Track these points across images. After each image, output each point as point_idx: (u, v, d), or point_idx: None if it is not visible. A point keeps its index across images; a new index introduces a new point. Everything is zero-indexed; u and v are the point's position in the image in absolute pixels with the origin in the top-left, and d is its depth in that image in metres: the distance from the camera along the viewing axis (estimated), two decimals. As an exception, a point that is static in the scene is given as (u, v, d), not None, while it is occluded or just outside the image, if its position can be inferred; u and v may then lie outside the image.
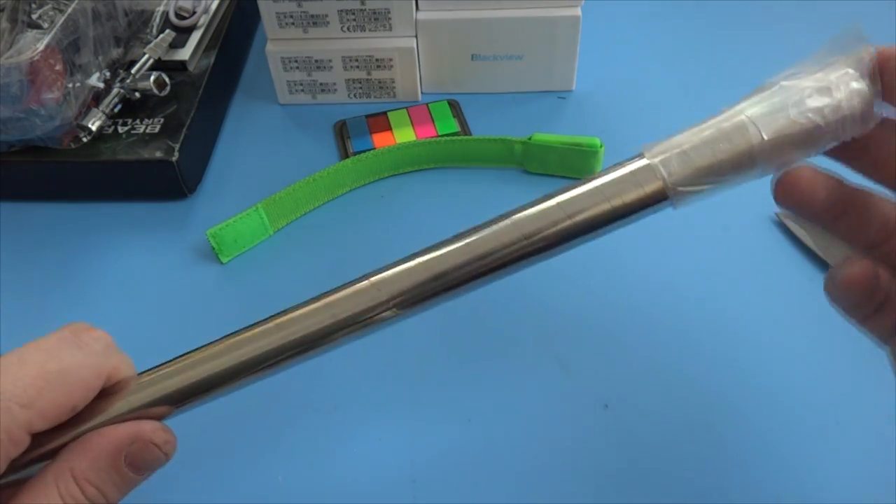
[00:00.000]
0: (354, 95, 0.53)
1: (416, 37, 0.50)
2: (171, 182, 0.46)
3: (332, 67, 0.51)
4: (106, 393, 0.25)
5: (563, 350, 0.38)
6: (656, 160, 0.26)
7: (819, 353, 0.37)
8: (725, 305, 0.40)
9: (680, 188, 0.25)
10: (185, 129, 0.46)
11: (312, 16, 0.49)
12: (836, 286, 0.26)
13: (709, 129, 0.26)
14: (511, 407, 0.36)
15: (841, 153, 0.26)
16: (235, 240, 0.43)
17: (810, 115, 0.25)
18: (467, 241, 0.27)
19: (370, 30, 0.49)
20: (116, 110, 0.47)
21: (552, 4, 0.48)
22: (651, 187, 0.26)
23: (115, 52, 0.49)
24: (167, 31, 0.51)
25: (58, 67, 0.43)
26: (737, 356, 0.38)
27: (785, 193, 0.25)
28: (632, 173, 0.26)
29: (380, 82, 0.52)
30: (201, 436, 0.36)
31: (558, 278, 0.41)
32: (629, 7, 0.60)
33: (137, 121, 0.47)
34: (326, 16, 0.49)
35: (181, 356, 0.26)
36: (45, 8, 0.45)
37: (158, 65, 0.49)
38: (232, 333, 0.27)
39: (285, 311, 0.27)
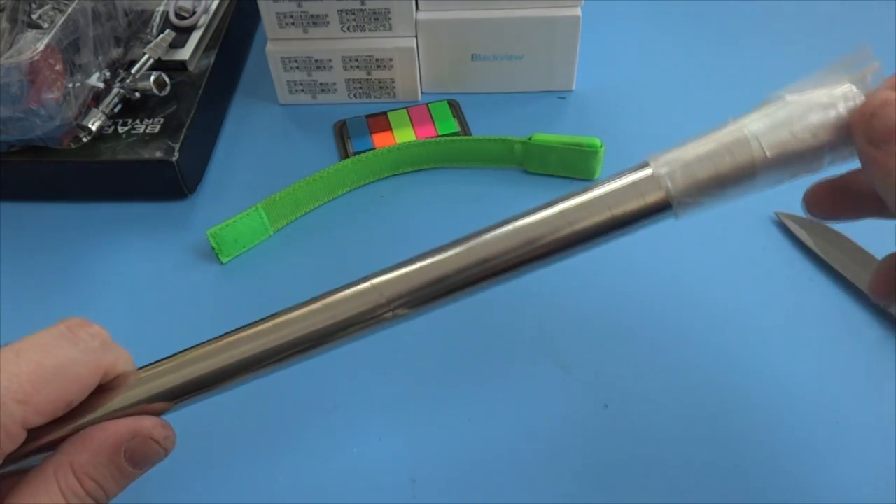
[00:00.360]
0: (354, 95, 0.53)
1: (416, 37, 0.50)
2: (171, 182, 0.46)
3: (332, 67, 0.51)
4: (104, 388, 0.25)
5: (563, 350, 0.38)
6: (661, 171, 0.26)
7: (819, 353, 0.37)
8: (725, 305, 0.40)
9: (683, 199, 0.25)
10: (185, 129, 0.46)
11: (312, 16, 0.49)
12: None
13: (712, 142, 0.26)
14: (511, 407, 0.36)
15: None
16: (235, 240, 0.43)
17: (813, 131, 0.25)
18: (469, 245, 0.27)
19: (370, 30, 0.49)
20: (116, 110, 0.47)
21: (552, 4, 0.48)
22: (654, 197, 0.26)
23: (115, 52, 0.49)
24: (167, 31, 0.51)
25: (58, 67, 0.43)
26: (737, 356, 0.38)
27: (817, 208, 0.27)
28: (635, 183, 0.26)
29: (380, 82, 0.52)
30: (202, 436, 0.36)
31: (558, 278, 0.41)
32: (629, 7, 0.60)
33: (137, 121, 0.47)
34: (326, 16, 0.49)
35: (180, 352, 0.26)
36: (45, 8, 0.45)
37: (158, 65, 0.49)
38: (231, 331, 0.27)
39: (284, 311, 0.27)
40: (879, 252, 0.40)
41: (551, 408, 0.36)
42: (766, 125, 0.26)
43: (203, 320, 0.41)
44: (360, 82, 0.52)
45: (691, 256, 0.42)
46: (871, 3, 0.58)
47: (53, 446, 0.24)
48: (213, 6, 0.54)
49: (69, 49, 0.44)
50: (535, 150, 0.46)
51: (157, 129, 0.46)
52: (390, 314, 0.26)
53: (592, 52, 0.54)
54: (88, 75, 0.46)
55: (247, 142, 0.51)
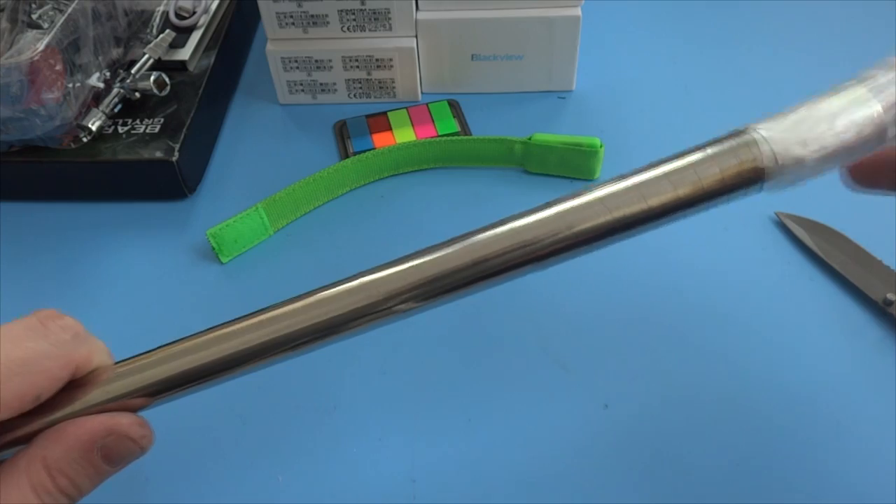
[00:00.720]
0: (354, 95, 0.53)
1: (416, 37, 0.50)
2: (171, 182, 0.46)
3: (332, 67, 0.51)
4: (80, 382, 0.24)
5: (563, 350, 0.38)
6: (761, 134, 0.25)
7: (819, 353, 0.37)
8: (725, 305, 0.40)
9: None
10: (185, 129, 0.46)
11: (312, 16, 0.49)
12: None
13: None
14: (511, 407, 0.36)
15: None
16: (235, 240, 0.43)
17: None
18: (511, 226, 0.26)
19: (370, 30, 0.49)
20: (116, 110, 0.47)
21: (552, 4, 0.48)
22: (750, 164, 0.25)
23: (115, 52, 0.49)
24: (167, 31, 0.51)
25: (58, 67, 0.43)
26: (737, 356, 0.38)
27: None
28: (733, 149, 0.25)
29: (380, 82, 0.52)
30: (202, 435, 0.36)
31: (559, 278, 0.41)
32: (629, 7, 0.60)
33: (137, 121, 0.47)
34: (326, 16, 0.49)
35: (161, 346, 0.26)
36: (45, 8, 0.45)
37: (158, 65, 0.49)
38: (216, 326, 0.26)
39: (272, 307, 0.26)
40: (879, 252, 0.40)
41: (551, 408, 0.36)
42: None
43: (203, 320, 0.40)
44: (360, 82, 0.52)
45: (692, 256, 0.42)
46: (872, 3, 0.58)
47: (25, 440, 0.24)
48: (213, 6, 0.54)
49: (69, 49, 0.44)
50: (535, 150, 0.46)
51: (157, 129, 0.46)
52: (386, 311, 0.26)
53: (592, 52, 0.54)
54: (88, 75, 0.46)
55: (247, 142, 0.51)
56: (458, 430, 0.36)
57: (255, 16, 0.58)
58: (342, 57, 0.50)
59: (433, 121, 0.50)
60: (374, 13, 0.48)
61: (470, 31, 0.49)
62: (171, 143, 0.45)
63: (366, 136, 0.49)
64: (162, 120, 0.47)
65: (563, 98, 0.52)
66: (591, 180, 0.46)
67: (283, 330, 0.25)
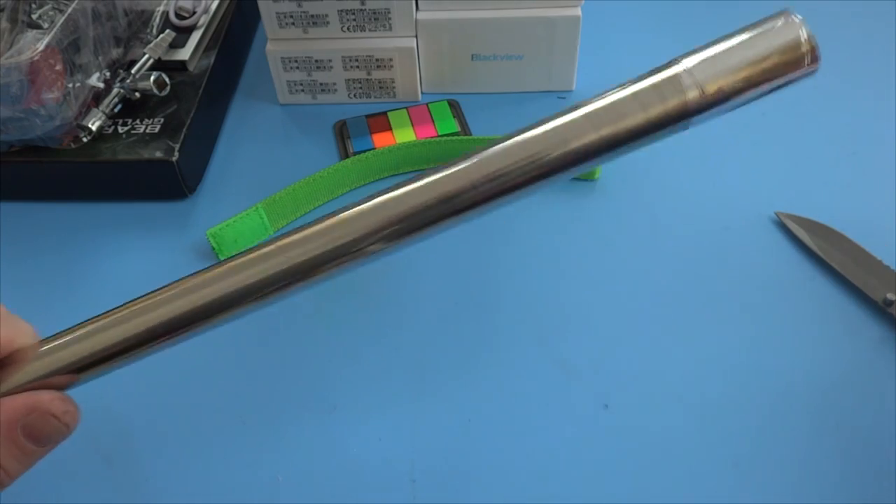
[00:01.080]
0: (354, 95, 0.53)
1: (416, 37, 0.50)
2: (171, 182, 0.46)
3: (332, 67, 0.51)
4: (2, 364, 0.24)
5: (563, 350, 0.38)
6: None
7: (819, 353, 0.37)
8: (725, 305, 0.40)
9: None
10: (185, 129, 0.46)
11: (312, 16, 0.49)
12: None
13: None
14: (511, 407, 0.36)
15: None
16: (235, 240, 0.43)
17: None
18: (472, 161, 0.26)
19: (370, 30, 0.49)
20: (116, 110, 0.47)
21: (552, 4, 0.48)
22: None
23: (115, 52, 0.49)
24: (167, 31, 0.51)
25: (58, 67, 0.43)
26: (736, 356, 0.38)
27: None
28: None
29: (380, 82, 0.52)
30: (201, 436, 0.36)
31: (558, 278, 0.41)
32: (629, 7, 0.60)
33: (137, 121, 0.47)
34: (326, 16, 0.49)
35: (85, 322, 0.25)
36: (45, 8, 0.45)
37: (158, 65, 0.49)
38: (136, 299, 0.25)
39: (227, 262, 0.25)
40: (879, 252, 0.40)
41: (551, 408, 0.36)
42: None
43: (203, 320, 0.41)
44: (360, 82, 0.52)
45: (691, 256, 0.42)
46: (872, 3, 0.58)
47: None
48: (213, 6, 0.54)
49: (69, 49, 0.44)
50: (535, 150, 0.46)
51: (157, 129, 0.46)
52: (359, 252, 0.25)
53: (592, 52, 0.54)
54: (88, 75, 0.46)
55: (247, 142, 0.51)
56: (459, 430, 0.36)
57: (255, 16, 0.58)
58: (342, 57, 0.50)
59: (433, 121, 0.50)
60: (374, 13, 0.48)
61: (470, 31, 0.49)
62: (171, 143, 0.45)
63: (366, 136, 0.49)
64: (162, 120, 0.47)
65: (563, 98, 0.52)
66: (591, 180, 0.46)
67: (220, 291, 0.25)
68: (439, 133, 0.49)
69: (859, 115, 0.49)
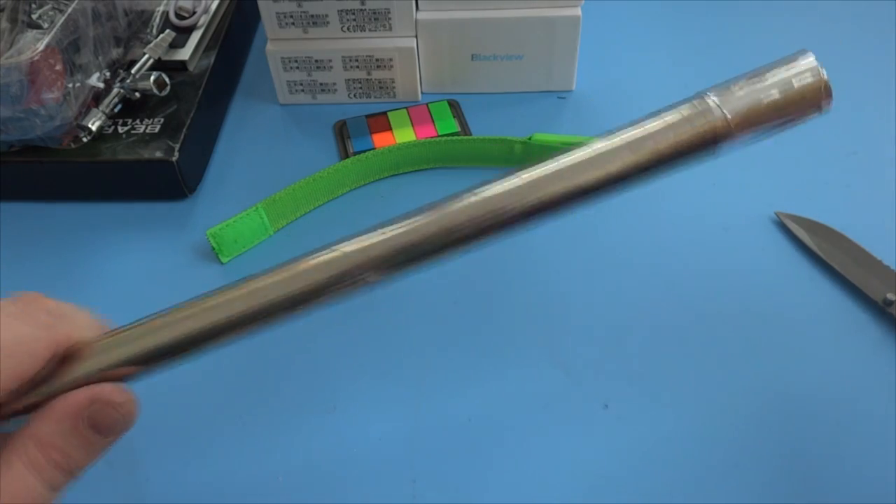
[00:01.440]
0: (354, 95, 0.53)
1: (416, 37, 0.50)
2: (171, 182, 0.46)
3: (332, 67, 0.51)
4: (65, 359, 0.25)
5: (563, 350, 0.38)
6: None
7: (819, 353, 0.37)
8: (725, 305, 0.40)
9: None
10: (185, 129, 0.46)
11: (312, 16, 0.49)
12: None
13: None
14: (511, 407, 0.36)
15: None
16: (235, 240, 0.43)
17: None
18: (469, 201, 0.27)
19: (370, 30, 0.49)
20: (116, 110, 0.47)
21: (552, 4, 0.48)
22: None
23: (115, 52, 0.49)
24: (167, 31, 0.51)
25: (58, 67, 0.43)
26: (736, 356, 0.38)
27: None
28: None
29: (380, 82, 0.52)
30: (202, 435, 0.36)
31: (558, 278, 0.41)
32: (629, 7, 0.60)
33: (137, 121, 0.47)
34: (326, 16, 0.49)
35: (142, 319, 0.26)
36: (45, 8, 0.45)
37: (158, 65, 0.49)
38: (201, 296, 0.26)
39: (251, 278, 0.27)
40: (879, 252, 0.40)
41: (551, 408, 0.36)
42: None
43: (203, 320, 0.41)
44: (360, 82, 0.52)
45: (691, 256, 0.42)
46: (872, 3, 0.58)
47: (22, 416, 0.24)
48: (213, 6, 0.54)
49: (69, 49, 0.44)
50: (535, 150, 0.46)
51: (157, 129, 0.46)
52: (363, 280, 0.27)
53: (592, 52, 0.54)
54: (88, 75, 0.46)
55: (247, 142, 0.51)
56: (459, 430, 0.36)
57: (255, 16, 0.58)
58: (342, 57, 0.50)
59: (433, 121, 0.50)
60: (374, 13, 0.48)
61: (470, 31, 0.49)
62: (171, 143, 0.45)
63: (366, 136, 0.49)
64: (162, 120, 0.47)
65: (563, 98, 0.52)
66: (591, 180, 0.46)
67: (266, 298, 0.27)
68: (439, 133, 0.49)
69: (859, 115, 0.49)
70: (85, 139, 0.46)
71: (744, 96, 0.28)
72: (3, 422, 0.25)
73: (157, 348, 0.26)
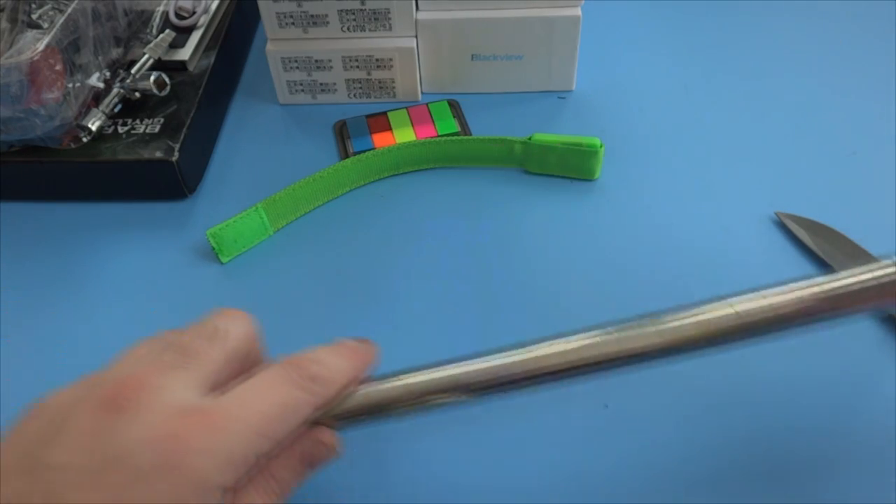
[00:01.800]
0: (354, 95, 0.53)
1: (416, 37, 0.50)
2: (171, 182, 0.46)
3: (332, 67, 0.51)
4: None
5: (563, 350, 0.38)
6: None
7: (819, 353, 0.37)
8: (725, 305, 0.39)
9: None
10: (185, 129, 0.46)
11: (312, 16, 0.49)
12: None
13: None
14: (510, 407, 0.36)
15: None
16: (235, 240, 0.43)
17: None
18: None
19: (370, 30, 0.49)
20: (116, 110, 0.47)
21: (552, 4, 0.48)
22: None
23: (115, 52, 0.49)
24: (167, 31, 0.51)
25: (58, 67, 0.43)
26: (736, 356, 0.38)
27: None
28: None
29: (380, 82, 0.52)
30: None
31: (557, 278, 0.41)
32: (629, 7, 0.60)
33: (137, 121, 0.47)
34: (326, 16, 0.49)
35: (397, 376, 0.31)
36: (45, 8, 0.45)
37: (158, 65, 0.49)
38: (444, 363, 0.31)
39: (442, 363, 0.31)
40: (879, 252, 0.40)
41: (551, 407, 0.36)
42: None
43: (203, 320, 0.41)
44: (360, 82, 0.52)
45: (691, 256, 0.42)
46: (872, 3, 0.58)
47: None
48: (213, 6, 0.54)
49: (69, 49, 0.44)
50: (535, 150, 0.46)
51: (157, 129, 0.46)
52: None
53: (592, 52, 0.54)
54: (88, 75, 0.46)
55: (247, 142, 0.51)
56: (459, 430, 0.36)
57: (255, 16, 0.58)
58: (342, 57, 0.50)
59: (433, 121, 0.50)
60: (374, 13, 0.48)
61: (470, 31, 0.49)
62: (171, 143, 0.45)
63: (366, 136, 0.49)
64: (162, 120, 0.47)
65: (563, 98, 0.52)
66: (591, 180, 0.46)
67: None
68: (439, 133, 0.49)
69: (859, 115, 0.49)
70: (85, 139, 0.46)
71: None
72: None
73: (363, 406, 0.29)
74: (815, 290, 0.29)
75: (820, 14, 0.58)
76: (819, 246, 0.41)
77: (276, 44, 0.50)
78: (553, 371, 0.29)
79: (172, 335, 0.28)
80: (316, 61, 0.51)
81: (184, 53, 0.51)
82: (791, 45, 0.56)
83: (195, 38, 0.52)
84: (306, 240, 0.45)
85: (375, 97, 0.53)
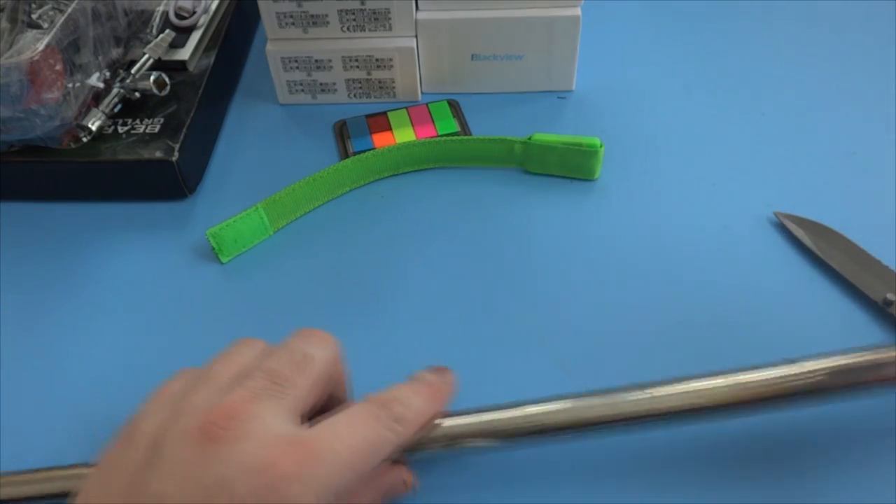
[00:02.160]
0: (354, 95, 0.53)
1: (416, 37, 0.50)
2: (171, 182, 0.46)
3: (332, 67, 0.51)
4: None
5: (563, 350, 0.38)
6: None
7: (819, 352, 0.37)
8: (724, 306, 0.40)
9: None
10: (185, 129, 0.46)
11: (312, 16, 0.49)
12: None
13: None
14: (511, 407, 0.36)
15: None
16: (235, 240, 0.43)
17: None
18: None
19: (370, 30, 0.49)
20: (116, 110, 0.47)
21: (552, 4, 0.48)
22: None
23: (115, 52, 0.49)
24: (167, 31, 0.51)
25: (58, 67, 0.43)
26: (736, 356, 0.38)
27: None
28: None
29: (380, 82, 0.52)
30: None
31: (557, 278, 0.42)
32: (629, 7, 0.60)
33: (137, 121, 0.47)
34: (326, 16, 0.49)
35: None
36: (45, 8, 0.45)
37: (158, 65, 0.49)
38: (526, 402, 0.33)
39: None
40: (879, 252, 0.40)
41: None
42: None
43: (203, 320, 0.41)
44: (360, 82, 0.52)
45: (691, 256, 0.42)
46: (872, 3, 0.58)
47: None
48: (213, 6, 0.54)
49: (69, 49, 0.44)
50: (535, 150, 0.46)
51: (157, 129, 0.46)
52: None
53: (592, 52, 0.54)
54: (88, 75, 0.46)
55: (247, 142, 0.51)
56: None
57: (255, 16, 0.58)
58: (342, 57, 0.50)
59: (433, 121, 0.50)
60: (374, 13, 0.48)
61: (470, 31, 0.49)
62: (171, 143, 0.45)
63: (366, 136, 0.49)
64: (162, 120, 0.47)
65: (563, 98, 0.52)
66: (591, 180, 0.46)
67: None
68: (439, 133, 0.49)
69: (858, 115, 0.49)
70: (85, 139, 0.46)
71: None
72: None
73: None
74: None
75: (820, 15, 0.58)
76: (818, 246, 0.41)
77: (276, 44, 0.50)
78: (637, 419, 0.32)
79: (257, 359, 0.29)
80: (316, 61, 0.51)
81: (184, 53, 0.51)
82: (791, 46, 0.56)
83: (195, 38, 0.52)
84: (306, 240, 0.45)
85: (375, 97, 0.53)
